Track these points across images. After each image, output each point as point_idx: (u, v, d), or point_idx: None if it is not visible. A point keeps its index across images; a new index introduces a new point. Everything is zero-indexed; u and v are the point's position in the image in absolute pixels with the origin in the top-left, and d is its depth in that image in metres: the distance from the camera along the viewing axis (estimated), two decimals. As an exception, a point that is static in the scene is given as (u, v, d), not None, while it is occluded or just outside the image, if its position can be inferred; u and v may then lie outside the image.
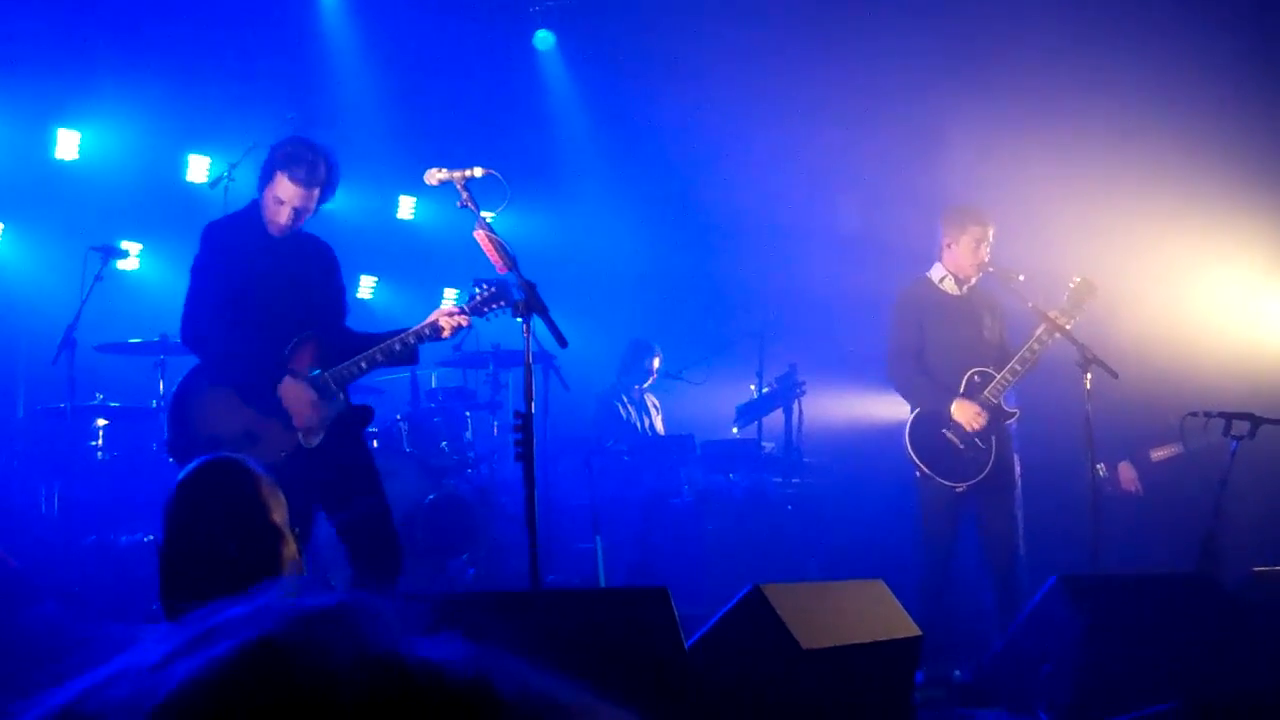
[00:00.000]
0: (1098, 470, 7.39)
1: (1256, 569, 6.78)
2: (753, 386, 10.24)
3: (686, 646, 4.31)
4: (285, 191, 5.79)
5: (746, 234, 11.44)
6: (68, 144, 9.91)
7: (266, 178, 5.82)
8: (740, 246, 11.53)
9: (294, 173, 5.78)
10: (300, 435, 5.72)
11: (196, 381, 5.73)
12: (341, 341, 5.94)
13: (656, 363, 10.72)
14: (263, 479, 2.72)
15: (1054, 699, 5.94)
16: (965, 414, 7.46)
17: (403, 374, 8.99)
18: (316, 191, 5.86)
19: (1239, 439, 7.22)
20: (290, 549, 2.69)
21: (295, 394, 5.70)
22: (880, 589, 5.17)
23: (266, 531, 2.64)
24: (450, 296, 11.14)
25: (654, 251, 12.04)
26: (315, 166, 5.82)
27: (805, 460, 9.97)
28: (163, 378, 8.23)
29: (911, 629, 5.05)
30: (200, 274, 5.80)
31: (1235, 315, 9.22)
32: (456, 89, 11.59)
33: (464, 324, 5.96)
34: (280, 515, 2.70)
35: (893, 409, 8.08)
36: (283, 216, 5.82)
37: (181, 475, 2.68)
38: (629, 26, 11.41)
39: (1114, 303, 7.85)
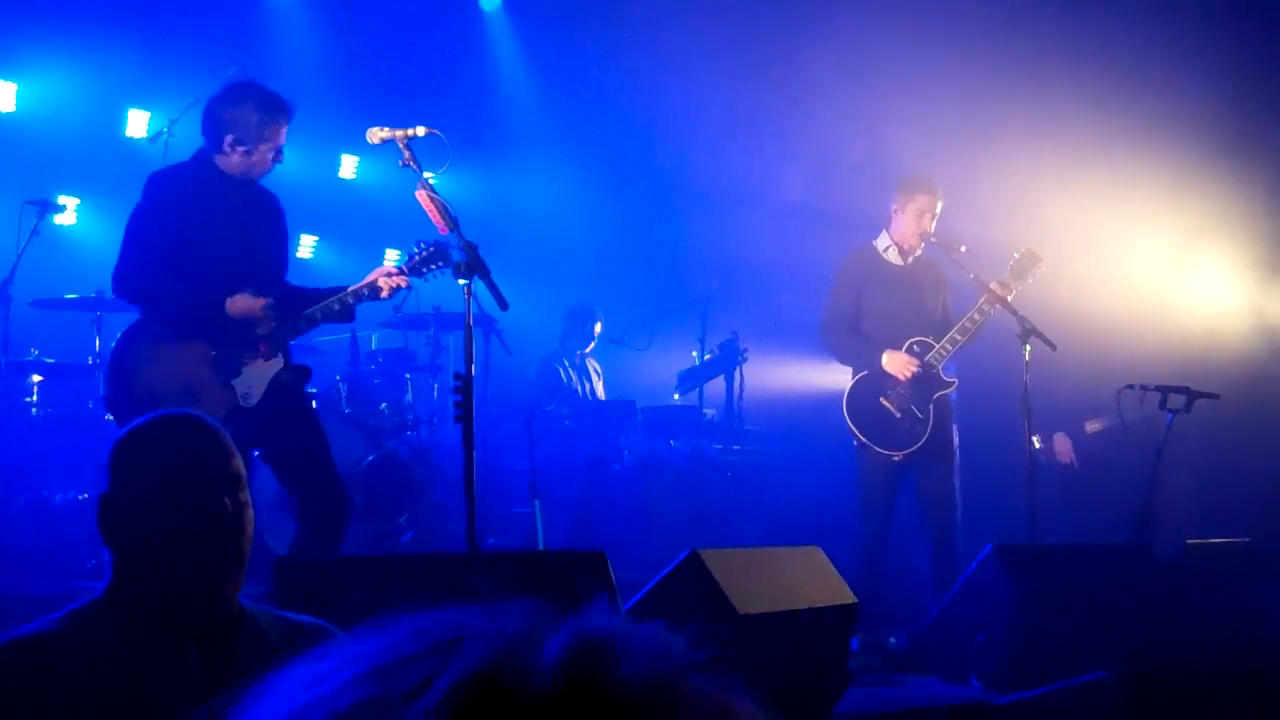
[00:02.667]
0: (1032, 442, 7.44)
1: (1190, 540, 6.88)
2: (694, 353, 10.23)
3: (623, 610, 4.31)
4: (281, 137, 5.85)
5: (691, 201, 11.43)
6: (4, 96, 9.74)
7: (259, 138, 5.78)
8: (685, 213, 11.52)
9: (289, 117, 5.87)
10: (238, 395, 5.68)
11: (137, 337, 5.66)
12: (281, 297, 5.88)
13: (598, 327, 10.72)
14: (227, 435, 2.71)
15: (988, 667, 6.00)
16: (896, 364, 7.50)
17: (342, 334, 8.91)
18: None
19: (1174, 412, 7.32)
20: (252, 510, 2.69)
21: (245, 304, 5.66)
22: (817, 555, 5.20)
23: (244, 489, 2.64)
24: (392, 257, 11.05)
25: (598, 216, 12.00)
26: (290, 102, 5.92)
27: (746, 427, 9.99)
28: (99, 334, 8.13)
29: (847, 596, 5.08)
30: (142, 224, 5.69)
31: (1172, 289, 9.32)
32: (401, 47, 11.48)
33: (402, 284, 5.93)
34: (245, 474, 2.70)
35: (833, 377, 8.11)
36: (274, 158, 5.88)
37: (145, 425, 2.64)
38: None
39: (1054, 275, 7.89)
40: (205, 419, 2.68)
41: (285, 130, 5.86)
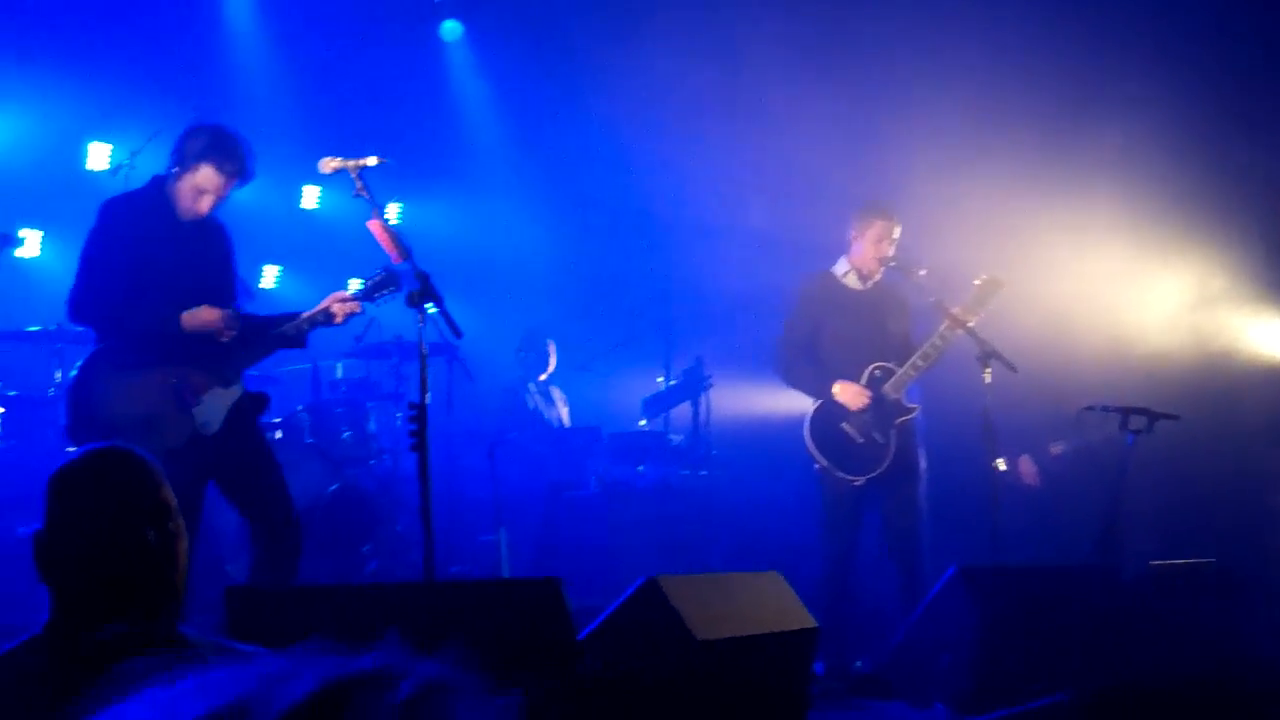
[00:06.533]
0: (997, 465, 7.43)
1: (1153, 562, 6.89)
2: (660, 379, 10.24)
3: (581, 637, 4.30)
4: (210, 182, 5.73)
5: (655, 227, 11.43)
6: (-36, 130, 9.73)
7: (186, 165, 5.72)
8: (649, 239, 11.52)
9: (224, 165, 5.73)
10: (197, 424, 5.66)
11: (96, 366, 5.64)
12: None
13: (552, 347, 10.68)
14: (159, 468, 2.70)
15: (952, 689, 5.99)
16: (846, 394, 7.48)
17: (304, 365, 8.90)
18: (236, 180, 5.82)
19: (1136, 433, 7.32)
20: (185, 541, 2.67)
21: (204, 315, 5.63)
22: (777, 580, 5.18)
23: (173, 519, 2.63)
24: (355, 286, 11.02)
25: (562, 244, 12.01)
26: (245, 158, 5.80)
27: (712, 453, 9.99)
28: (60, 366, 8.09)
29: (807, 620, 5.06)
30: (96, 248, 5.68)
31: (1134, 310, 9.34)
32: (363, 78, 11.49)
33: (355, 310, 5.93)
34: (175, 505, 2.69)
35: (798, 403, 8.10)
36: (204, 205, 5.77)
37: (73, 460, 2.64)
38: (538, 19, 11.37)
39: (1015, 297, 7.90)
40: (134, 451, 2.66)
41: (216, 176, 5.74)
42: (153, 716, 0.82)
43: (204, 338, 5.70)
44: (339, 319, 5.90)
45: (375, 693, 0.81)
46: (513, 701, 0.89)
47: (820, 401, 7.58)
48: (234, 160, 5.76)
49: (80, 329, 6.01)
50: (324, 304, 5.89)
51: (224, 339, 5.68)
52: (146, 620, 2.57)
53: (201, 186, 5.74)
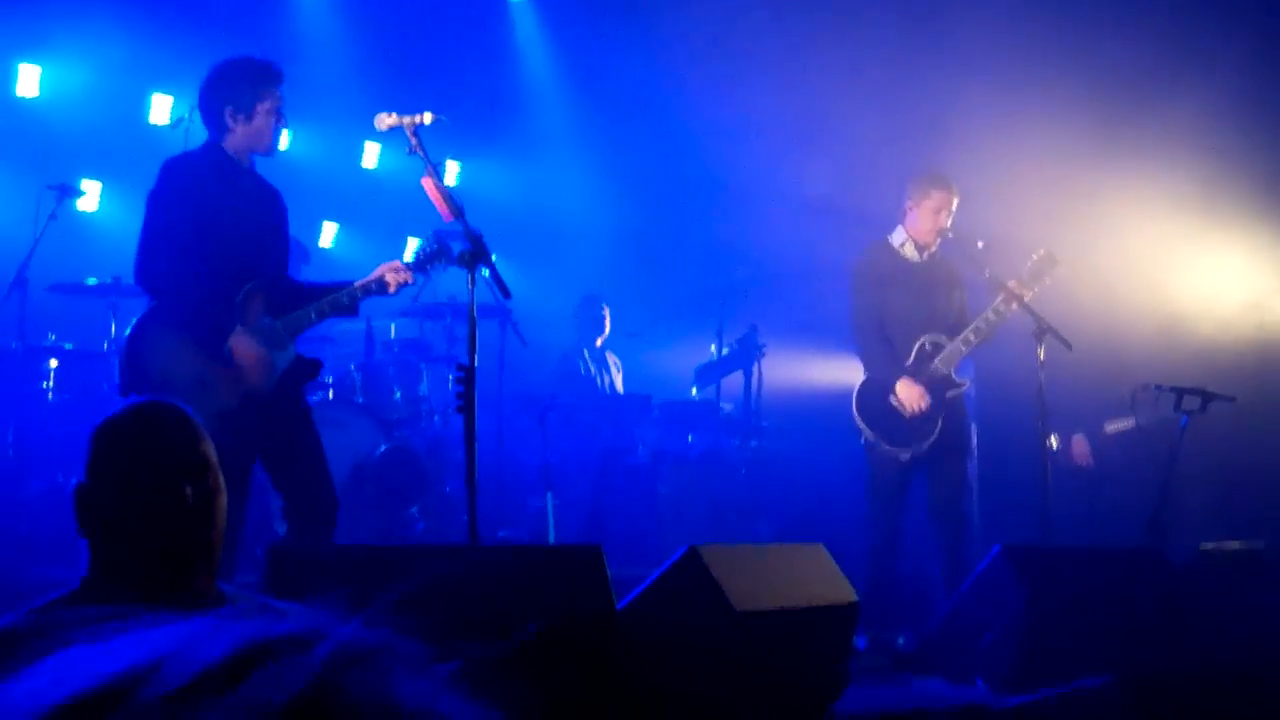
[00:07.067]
0: (1050, 442, 7.35)
1: (1203, 545, 6.81)
2: (713, 347, 10.20)
3: (621, 606, 4.29)
4: (276, 101, 5.81)
5: (713, 194, 11.40)
6: (28, 80, 9.78)
7: (250, 107, 5.74)
8: (706, 206, 11.50)
9: (277, 83, 5.83)
10: (250, 386, 5.67)
11: (151, 325, 5.64)
12: (286, 289, 5.89)
13: (606, 311, 10.67)
14: (200, 424, 2.71)
15: (994, 668, 5.96)
16: (908, 395, 7.40)
17: (358, 324, 8.93)
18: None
19: (1190, 414, 7.23)
20: (224, 497, 2.69)
21: (246, 348, 5.64)
22: (819, 552, 5.15)
23: (212, 476, 2.64)
24: (414, 246, 11.06)
25: (619, 208, 11.99)
26: (275, 64, 5.89)
27: (763, 423, 9.95)
28: (115, 320, 8.17)
29: (849, 594, 5.03)
30: (160, 209, 5.66)
31: (1191, 288, 9.21)
32: (425, 36, 11.49)
33: (407, 280, 5.94)
34: (216, 461, 2.70)
35: (852, 373, 8.06)
36: (277, 124, 5.86)
37: (115, 415, 2.65)
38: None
39: (1071, 274, 7.81)
40: (176, 405, 2.67)
41: (279, 93, 5.82)
42: (61, 676, 0.82)
43: (259, 304, 5.72)
44: (392, 289, 5.92)
45: (291, 655, 0.80)
46: (452, 670, 0.88)
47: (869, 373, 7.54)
48: (275, 72, 5.84)
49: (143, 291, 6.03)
50: (377, 273, 5.90)
51: (249, 379, 5.63)
52: (181, 576, 2.59)
53: (271, 111, 5.80)
